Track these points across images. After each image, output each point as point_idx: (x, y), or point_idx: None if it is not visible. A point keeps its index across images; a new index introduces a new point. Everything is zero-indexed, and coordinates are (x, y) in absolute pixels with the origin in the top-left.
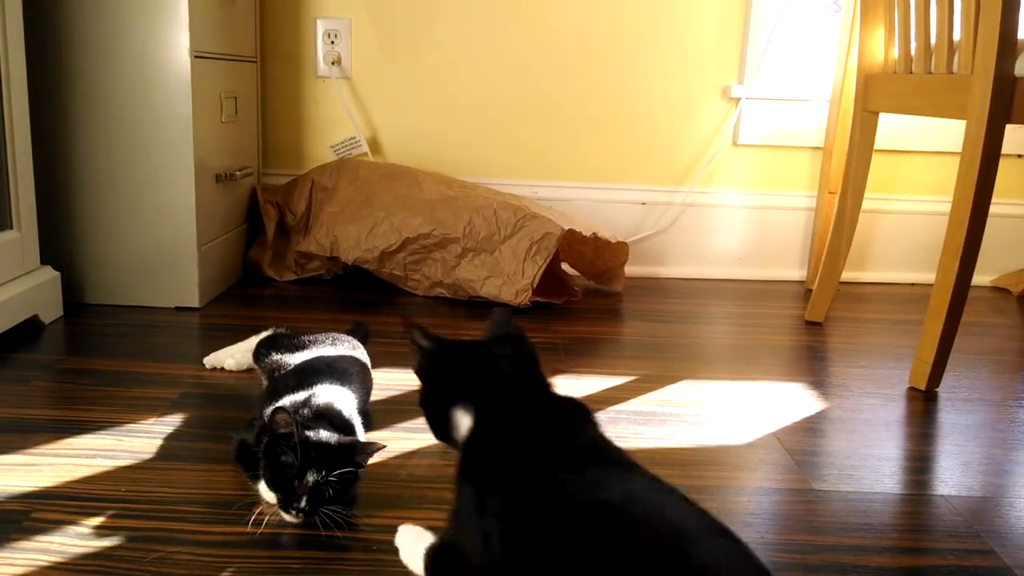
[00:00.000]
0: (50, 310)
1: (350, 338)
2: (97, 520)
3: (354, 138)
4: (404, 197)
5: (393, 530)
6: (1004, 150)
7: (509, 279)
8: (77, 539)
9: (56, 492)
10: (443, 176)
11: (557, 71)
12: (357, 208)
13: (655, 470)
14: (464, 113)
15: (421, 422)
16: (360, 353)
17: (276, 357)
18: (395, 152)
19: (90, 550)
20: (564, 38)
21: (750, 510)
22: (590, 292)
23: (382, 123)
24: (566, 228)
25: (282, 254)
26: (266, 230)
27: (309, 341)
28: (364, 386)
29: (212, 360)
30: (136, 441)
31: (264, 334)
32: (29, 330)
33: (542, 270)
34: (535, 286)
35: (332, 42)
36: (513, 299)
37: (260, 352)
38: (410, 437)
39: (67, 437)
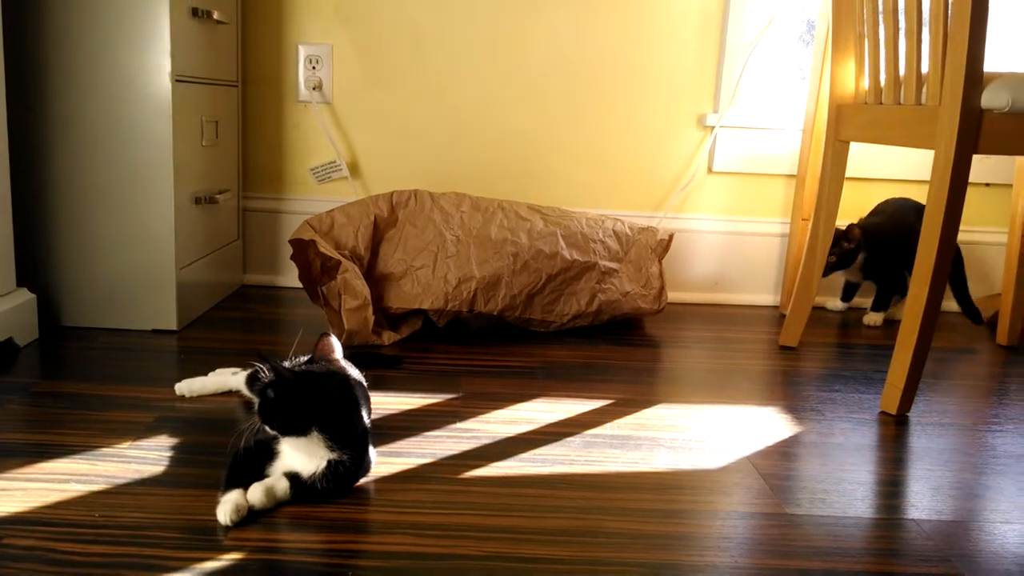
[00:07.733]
0: (25, 332)
1: (347, 361)
2: (70, 546)
3: (334, 162)
4: (523, 232)
5: (368, 556)
6: (972, 179)
7: (643, 288)
8: (50, 566)
9: (29, 518)
10: (509, 203)
11: (536, 99)
12: (475, 249)
13: (631, 493)
14: (443, 139)
15: (399, 446)
16: (358, 374)
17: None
18: (375, 177)
19: None
20: (543, 67)
21: (724, 534)
22: None
23: (362, 147)
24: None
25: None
26: (354, 293)
27: (310, 361)
28: (367, 404)
29: (183, 388)
30: (110, 465)
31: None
32: (4, 352)
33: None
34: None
35: (314, 67)
36: (655, 305)
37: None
38: (387, 461)
39: (40, 461)
